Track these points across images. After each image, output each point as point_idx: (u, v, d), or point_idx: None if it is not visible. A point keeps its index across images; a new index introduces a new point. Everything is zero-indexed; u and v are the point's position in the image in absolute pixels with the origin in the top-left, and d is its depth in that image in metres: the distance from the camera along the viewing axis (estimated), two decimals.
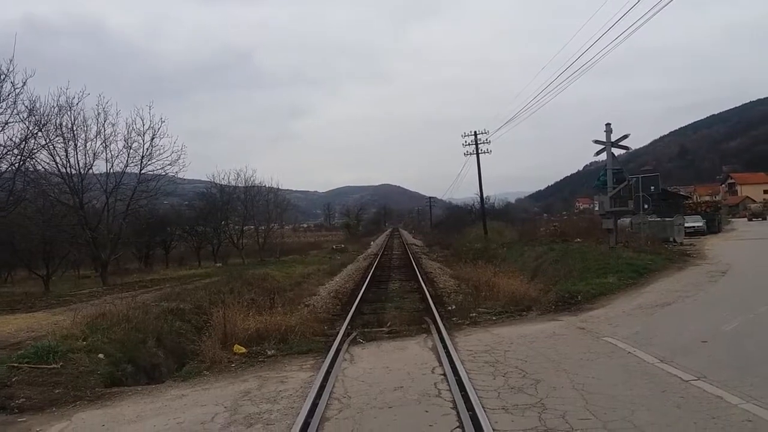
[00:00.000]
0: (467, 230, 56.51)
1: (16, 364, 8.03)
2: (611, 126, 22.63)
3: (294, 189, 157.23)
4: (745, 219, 65.77)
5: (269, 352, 9.87)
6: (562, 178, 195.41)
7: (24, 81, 20.50)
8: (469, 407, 5.87)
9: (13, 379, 7.63)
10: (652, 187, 23.49)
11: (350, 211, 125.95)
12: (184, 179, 40.30)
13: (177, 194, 43.79)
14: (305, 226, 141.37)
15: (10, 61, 20.12)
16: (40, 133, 22.99)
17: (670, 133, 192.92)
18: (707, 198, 79.50)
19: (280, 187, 53.81)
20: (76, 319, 10.60)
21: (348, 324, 12.39)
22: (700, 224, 37.89)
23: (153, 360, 9.96)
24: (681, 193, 56.19)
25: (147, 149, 27.34)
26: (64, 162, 25.27)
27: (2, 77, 19.91)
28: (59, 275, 32.52)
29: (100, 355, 8.81)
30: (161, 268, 41.89)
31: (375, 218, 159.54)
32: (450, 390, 6.63)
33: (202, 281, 22.68)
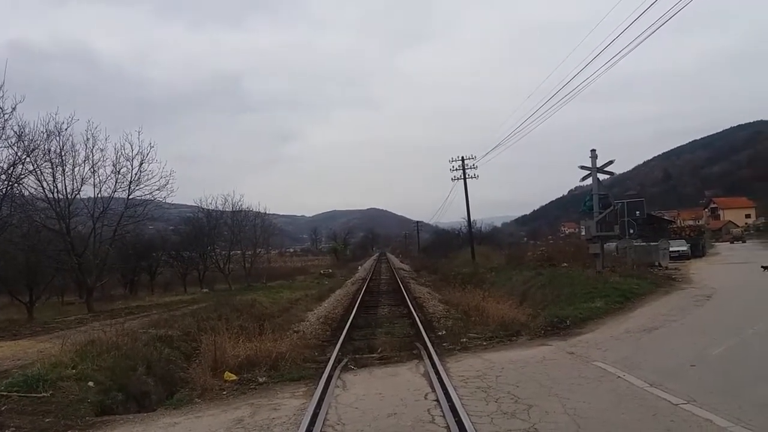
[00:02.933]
0: (455, 254, 56.75)
1: (5, 393, 7.94)
2: (596, 152, 23.01)
3: (280, 213, 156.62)
4: (728, 243, 66.88)
5: (260, 379, 9.83)
6: (547, 202, 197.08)
7: (13, 107, 20.48)
8: None
9: (3, 408, 7.54)
10: (637, 212, 23.78)
11: (337, 236, 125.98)
12: (171, 204, 40.29)
13: (163, 219, 43.70)
14: (292, 250, 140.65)
15: (0, 86, 20.10)
16: (28, 159, 22.92)
17: (654, 158, 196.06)
18: (691, 222, 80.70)
19: (267, 212, 53.87)
20: (64, 347, 10.48)
21: (339, 350, 12.36)
22: (685, 248, 38.34)
23: (143, 388, 9.85)
24: (665, 217, 56.82)
25: (135, 174, 27.38)
26: (52, 187, 25.18)
27: None
28: (42, 302, 32.04)
29: (90, 383, 8.72)
30: (146, 294, 41.38)
31: (362, 243, 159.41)
32: (443, 416, 6.66)
33: (189, 308, 22.48)
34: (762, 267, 23.53)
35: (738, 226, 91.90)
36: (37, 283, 29.66)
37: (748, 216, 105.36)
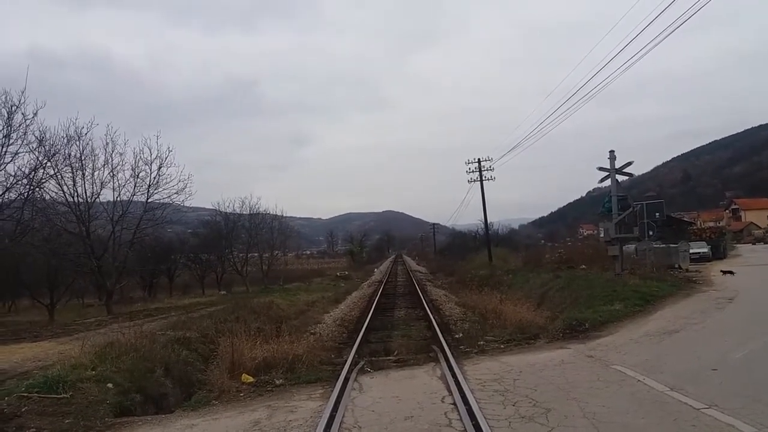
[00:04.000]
0: (471, 257, 56.47)
1: (25, 394, 8.03)
2: (615, 153, 22.77)
3: (297, 216, 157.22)
4: (750, 244, 65.88)
5: (277, 382, 9.85)
6: (565, 204, 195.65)
7: (35, 112, 20.86)
8: None
9: (23, 409, 7.62)
10: (657, 214, 23.46)
11: (354, 238, 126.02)
12: (189, 207, 40.57)
13: (181, 222, 43.99)
14: (308, 253, 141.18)
15: (22, 92, 20.45)
16: (49, 163, 23.29)
17: (673, 159, 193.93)
18: (711, 224, 79.50)
19: (283, 215, 54.07)
20: (84, 349, 10.59)
21: (355, 352, 12.36)
22: (705, 250, 37.77)
23: (161, 389, 9.91)
24: (685, 219, 56.07)
25: (154, 178, 27.64)
26: (72, 191, 25.52)
27: (14, 108, 20.24)
28: (63, 304, 32.56)
29: (109, 385, 8.79)
30: (165, 296, 41.85)
31: (378, 245, 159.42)
32: (461, 419, 6.62)
33: (207, 310, 22.62)
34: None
35: (760, 228, 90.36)
36: (57, 286, 30.18)
37: None
